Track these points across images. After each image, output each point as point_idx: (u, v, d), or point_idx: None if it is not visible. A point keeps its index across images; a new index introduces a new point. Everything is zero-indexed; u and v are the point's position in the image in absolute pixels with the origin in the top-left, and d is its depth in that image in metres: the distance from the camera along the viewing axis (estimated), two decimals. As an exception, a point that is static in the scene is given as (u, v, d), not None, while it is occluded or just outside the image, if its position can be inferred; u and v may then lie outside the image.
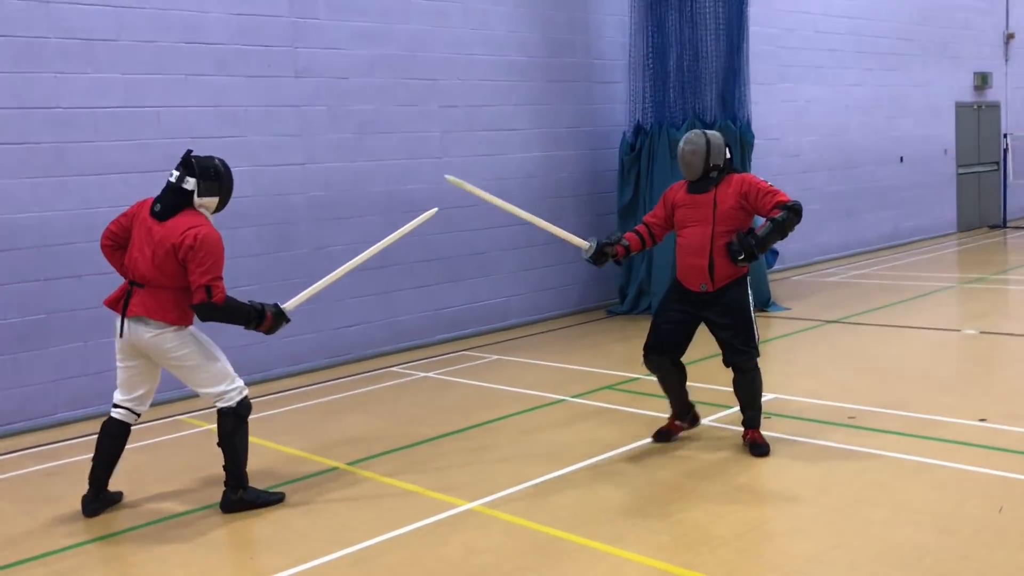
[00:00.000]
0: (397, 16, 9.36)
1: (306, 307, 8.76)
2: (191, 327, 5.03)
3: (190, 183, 4.91)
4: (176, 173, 4.95)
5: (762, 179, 5.50)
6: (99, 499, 5.18)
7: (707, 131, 5.52)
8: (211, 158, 5.02)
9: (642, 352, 5.73)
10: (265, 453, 6.25)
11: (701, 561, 4.12)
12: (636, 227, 5.84)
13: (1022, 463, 5.11)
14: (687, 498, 4.93)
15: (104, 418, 5.25)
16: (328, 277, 5.66)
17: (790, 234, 5.47)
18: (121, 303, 4.97)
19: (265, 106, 8.46)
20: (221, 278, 4.87)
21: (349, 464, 5.87)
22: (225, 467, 5.09)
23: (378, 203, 9.31)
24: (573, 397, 7.17)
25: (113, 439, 5.13)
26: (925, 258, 14.35)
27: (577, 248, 5.88)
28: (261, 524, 4.94)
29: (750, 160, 11.07)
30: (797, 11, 13.83)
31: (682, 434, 5.94)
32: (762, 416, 5.66)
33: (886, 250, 15.41)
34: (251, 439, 6.53)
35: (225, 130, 8.21)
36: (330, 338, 9.04)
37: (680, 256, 5.59)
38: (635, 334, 9.74)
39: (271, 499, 5.17)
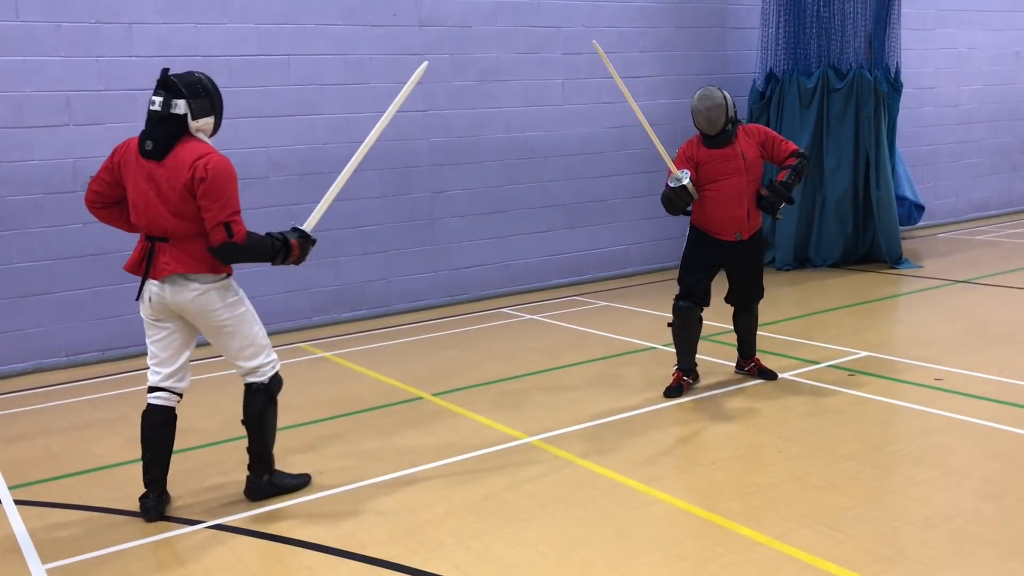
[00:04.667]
0: (522, -36, 9.51)
1: (425, 248, 9.30)
2: (232, 279, 4.41)
3: (180, 106, 4.14)
4: (158, 99, 4.16)
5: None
6: (161, 500, 4.44)
7: (719, 88, 5.69)
8: (191, 73, 4.28)
9: (675, 299, 5.95)
10: (362, 380, 6.77)
11: (728, 507, 4.24)
12: None
13: (1105, 436, 4.87)
14: (735, 446, 5.02)
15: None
16: (335, 183, 4.77)
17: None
18: (143, 265, 4.25)
19: (389, 54, 8.86)
20: (239, 212, 4.16)
21: (433, 395, 6.27)
22: (250, 449, 4.54)
23: (497, 149, 9.59)
24: (663, 345, 7.27)
25: (160, 430, 4.39)
26: (1098, 219, 13.29)
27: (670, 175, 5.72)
28: (336, 443, 5.40)
29: (896, 110, 10.59)
30: (963, -51, 12.94)
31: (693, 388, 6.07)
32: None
33: (1057, 209, 14.35)
34: (353, 367, 7.14)
35: (351, 77, 8.68)
36: (447, 278, 9.47)
37: (713, 208, 5.73)
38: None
39: (299, 482, 4.70)
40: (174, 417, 4.46)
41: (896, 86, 10.46)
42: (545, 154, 9.92)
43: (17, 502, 4.77)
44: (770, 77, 10.54)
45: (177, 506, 4.59)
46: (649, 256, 10.77)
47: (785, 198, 5.67)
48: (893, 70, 10.42)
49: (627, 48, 10.26)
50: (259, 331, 4.51)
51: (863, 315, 8.20)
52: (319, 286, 8.72)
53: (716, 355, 6.84)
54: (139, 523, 4.41)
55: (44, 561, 4.07)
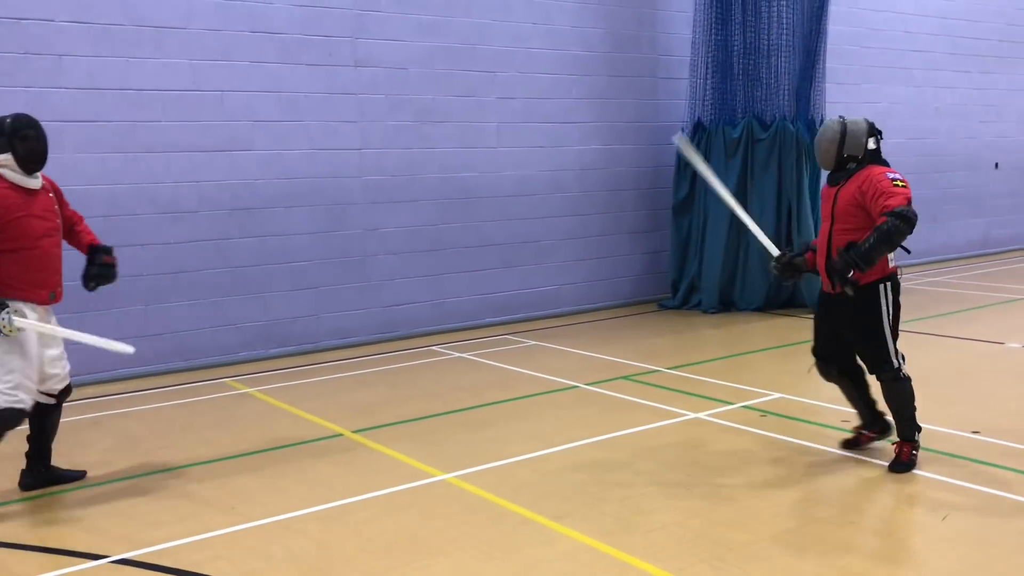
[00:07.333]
0: (459, 10, 9.71)
1: (357, 285, 9.33)
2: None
3: None
4: None
5: (893, 175, 4.99)
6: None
7: (848, 118, 5.17)
8: (1, 117, 4.96)
9: None
10: (284, 416, 6.76)
11: (631, 542, 4.33)
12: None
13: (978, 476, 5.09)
14: (644, 484, 5.12)
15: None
16: (58, 329, 5.16)
17: (902, 243, 4.91)
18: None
19: (324, 93, 8.95)
20: None
21: (354, 431, 6.29)
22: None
23: (432, 189, 9.71)
24: (587, 384, 7.41)
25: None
26: (1015, 268, 13.82)
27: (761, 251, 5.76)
28: (252, 479, 5.40)
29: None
30: (886, 10, 13.52)
31: (871, 444, 5.55)
32: (906, 429, 5.24)
33: (976, 258, 14.92)
34: (276, 403, 7.15)
35: (285, 114, 8.75)
36: (379, 315, 9.50)
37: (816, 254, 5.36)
38: (681, 328, 9.90)
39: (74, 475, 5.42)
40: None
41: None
42: (479, 195, 10.07)
43: (-84, 536, 4.67)
44: (698, 126, 10.86)
45: (83, 539, 4.54)
46: (581, 297, 10.93)
47: (847, 266, 4.83)
48: (818, 122, 10.80)
49: (561, 94, 10.50)
50: (10, 360, 4.85)
51: (782, 358, 8.44)
52: (247, 321, 8.69)
53: (630, 393, 6.98)
54: (41, 558, 4.35)
55: (-61, 596, 4.00)
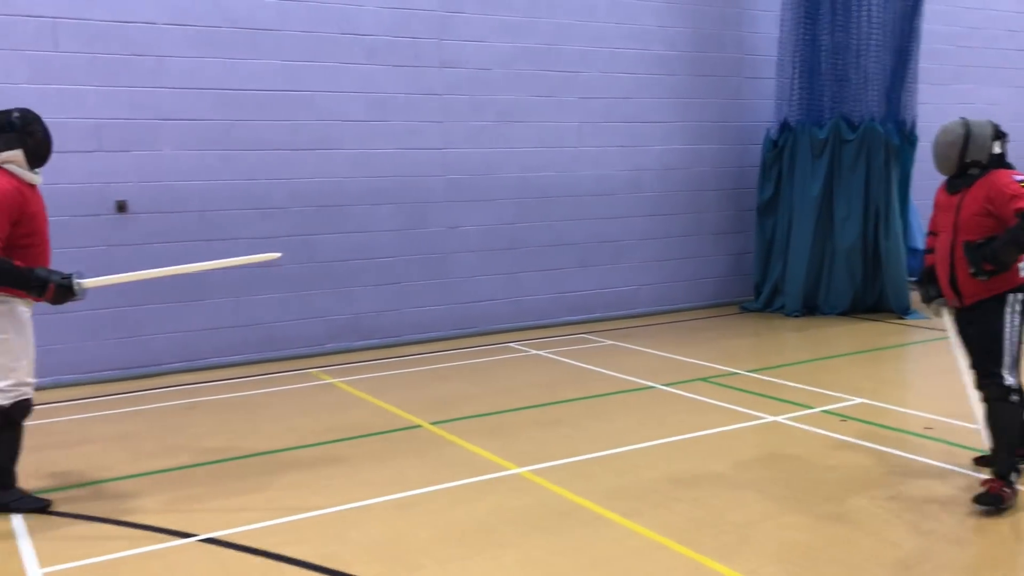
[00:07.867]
0: (543, 10, 9.79)
1: (438, 281, 9.50)
2: (18, 302, 4.87)
3: None
4: None
5: (1019, 177, 4.65)
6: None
7: (971, 120, 4.84)
8: (7, 112, 4.83)
9: None
10: (366, 406, 6.96)
11: (702, 543, 4.35)
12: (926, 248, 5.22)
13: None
14: (717, 485, 5.13)
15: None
16: (142, 273, 5.38)
17: None
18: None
19: (409, 93, 9.15)
20: None
21: (431, 423, 6.44)
22: None
23: (511, 188, 9.82)
24: (663, 385, 7.41)
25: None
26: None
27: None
28: (333, 466, 5.59)
29: (911, 163, 10.71)
30: (984, 8, 13.09)
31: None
32: (1002, 463, 4.73)
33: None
34: (359, 393, 7.35)
35: (372, 114, 8.97)
36: (458, 311, 9.66)
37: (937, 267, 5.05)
38: (762, 331, 9.80)
39: (30, 505, 4.92)
40: None
41: (911, 139, 10.56)
42: (558, 194, 10.13)
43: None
44: (784, 126, 10.71)
45: (172, 518, 4.78)
46: (659, 298, 10.91)
47: (975, 264, 4.62)
48: (909, 124, 10.53)
49: (643, 94, 10.49)
50: (13, 355, 4.83)
51: (865, 363, 8.28)
52: (334, 314, 8.95)
53: (707, 395, 6.96)
54: (134, 534, 4.60)
55: (42, 565, 4.27)
